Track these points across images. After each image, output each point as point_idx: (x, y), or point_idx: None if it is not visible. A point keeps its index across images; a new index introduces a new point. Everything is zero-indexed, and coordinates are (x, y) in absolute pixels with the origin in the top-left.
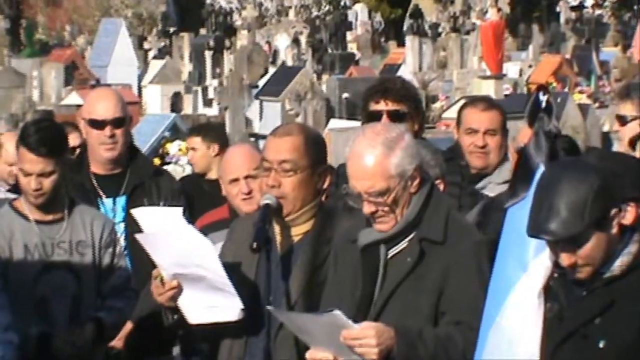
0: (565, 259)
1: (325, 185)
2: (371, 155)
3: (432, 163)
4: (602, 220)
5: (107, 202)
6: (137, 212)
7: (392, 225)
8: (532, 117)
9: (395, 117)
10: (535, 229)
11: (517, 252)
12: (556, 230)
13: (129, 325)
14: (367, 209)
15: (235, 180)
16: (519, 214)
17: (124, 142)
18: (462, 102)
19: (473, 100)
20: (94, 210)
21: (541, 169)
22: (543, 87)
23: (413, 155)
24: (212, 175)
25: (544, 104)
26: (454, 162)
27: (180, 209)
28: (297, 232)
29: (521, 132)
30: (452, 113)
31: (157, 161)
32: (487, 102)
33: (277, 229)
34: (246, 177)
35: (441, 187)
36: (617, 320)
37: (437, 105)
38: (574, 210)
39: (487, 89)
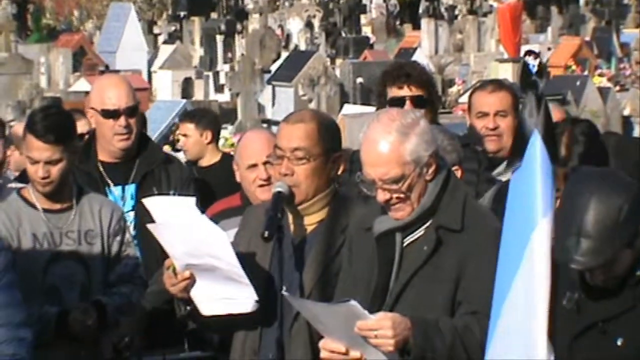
0: (590, 278)
1: (339, 173)
2: (385, 141)
3: (449, 149)
4: (632, 239)
5: (116, 190)
6: (149, 202)
7: (408, 213)
8: (523, 83)
9: (418, 103)
10: (563, 258)
11: (523, 216)
12: (586, 261)
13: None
14: (382, 196)
15: (254, 166)
16: (519, 183)
17: (136, 131)
18: None
19: (482, 84)
20: (103, 198)
21: (536, 135)
22: (532, 52)
23: (429, 141)
24: (204, 162)
25: (535, 68)
26: (469, 148)
27: (193, 199)
28: (311, 221)
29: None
30: (467, 99)
31: (167, 148)
32: (495, 84)
33: (290, 218)
34: (265, 163)
35: (458, 173)
36: (638, 321)
37: (453, 89)
38: (603, 235)
39: (505, 72)
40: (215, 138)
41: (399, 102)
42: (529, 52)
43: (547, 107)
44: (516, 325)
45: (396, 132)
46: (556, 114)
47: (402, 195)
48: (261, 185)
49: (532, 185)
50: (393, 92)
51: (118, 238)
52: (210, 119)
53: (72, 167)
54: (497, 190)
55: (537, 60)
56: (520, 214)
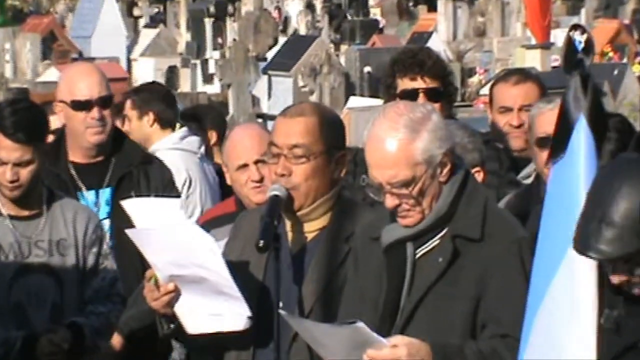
0: (615, 279)
1: (343, 174)
2: (393, 139)
3: (469, 147)
4: None
5: (89, 195)
6: (128, 204)
7: (419, 220)
8: (568, 62)
9: (433, 96)
10: (581, 245)
11: (561, 224)
12: (607, 249)
13: (117, 338)
14: (390, 202)
15: (244, 166)
16: (560, 177)
17: (111, 125)
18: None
19: (504, 74)
20: (77, 204)
21: (582, 121)
22: (579, 27)
23: (442, 138)
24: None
25: (581, 45)
26: (489, 145)
27: (178, 200)
28: (311, 228)
29: (539, 118)
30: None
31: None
32: (519, 75)
33: (287, 225)
34: (256, 163)
35: (480, 175)
36: None
37: (474, 79)
38: (629, 226)
39: (532, 60)
40: (160, 121)
41: (411, 95)
42: (575, 27)
43: (596, 89)
44: (554, 345)
45: (405, 128)
46: None
47: (412, 201)
48: (254, 188)
49: (575, 183)
50: (404, 83)
51: (94, 249)
52: (214, 116)
53: (43, 169)
54: (516, 196)
55: (584, 36)
56: (560, 215)
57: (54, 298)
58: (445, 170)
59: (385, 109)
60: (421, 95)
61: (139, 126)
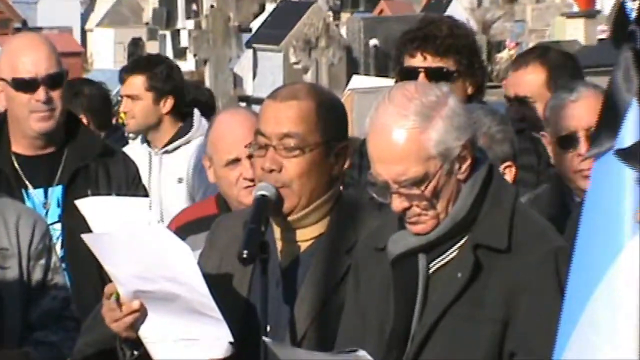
0: None
1: (344, 169)
2: (401, 128)
3: (498, 137)
4: None
5: (36, 193)
6: (84, 204)
7: (433, 227)
8: (618, 34)
9: (436, 76)
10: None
11: (606, 226)
12: None
13: None
14: (398, 204)
15: (235, 161)
16: (606, 175)
17: (62, 109)
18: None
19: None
20: (21, 205)
21: (635, 107)
22: None
23: (461, 126)
24: None
25: (633, 14)
26: (524, 135)
27: (146, 200)
28: (306, 236)
29: (559, 112)
30: None
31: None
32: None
33: (277, 231)
34: (250, 157)
35: (512, 171)
36: None
37: (503, 54)
38: None
39: (574, 31)
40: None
41: (408, 74)
42: None
43: None
44: None
45: (415, 115)
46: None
47: (424, 203)
48: (247, 188)
49: (626, 182)
50: (407, 60)
51: (42, 261)
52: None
53: None
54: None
55: (638, 3)
56: (605, 221)
57: None
58: (465, 166)
59: (392, 92)
60: (421, 75)
61: (151, 110)
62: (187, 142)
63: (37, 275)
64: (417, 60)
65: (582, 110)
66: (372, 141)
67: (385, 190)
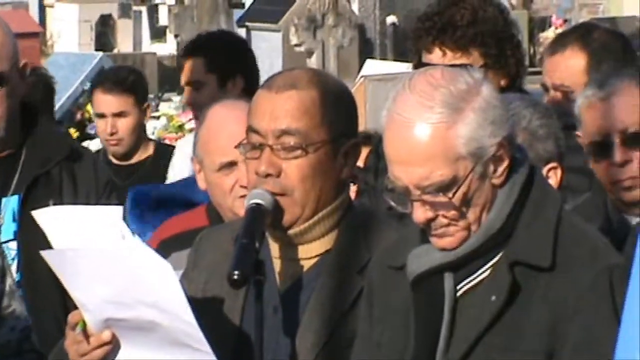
0: None
1: (354, 171)
2: (425, 123)
3: (541, 133)
4: None
5: None
6: (43, 215)
7: (462, 240)
8: None
9: None
10: None
11: None
12: None
13: None
14: (421, 214)
15: (230, 165)
16: None
17: (7, 109)
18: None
19: (562, 36)
20: None
21: None
22: None
23: (496, 121)
24: (133, 158)
25: None
26: (570, 132)
27: (119, 208)
28: (309, 253)
29: (588, 113)
30: None
31: (72, 133)
32: (581, 37)
33: (274, 248)
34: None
35: (557, 174)
36: None
37: (548, 34)
38: None
39: (634, 6)
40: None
41: None
42: None
43: None
44: None
45: (442, 106)
46: None
47: (453, 212)
48: (244, 196)
49: None
50: (424, 55)
51: None
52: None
53: None
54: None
55: None
56: None
57: None
58: (501, 168)
59: (413, 79)
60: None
61: (217, 94)
62: None
63: None
64: (436, 57)
65: (614, 109)
66: (389, 138)
67: (405, 197)
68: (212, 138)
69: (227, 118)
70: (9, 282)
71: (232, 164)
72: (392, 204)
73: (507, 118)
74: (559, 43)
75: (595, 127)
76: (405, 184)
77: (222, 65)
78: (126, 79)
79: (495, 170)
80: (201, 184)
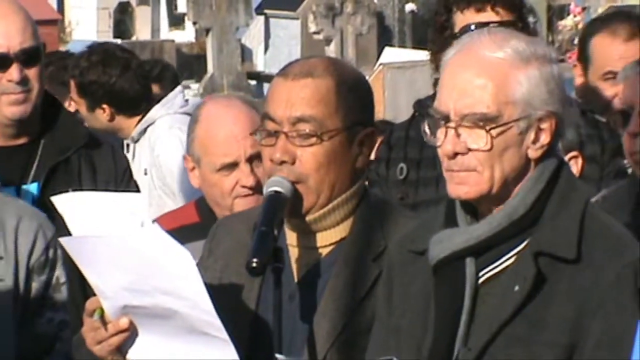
0: None
1: (370, 160)
2: (492, 54)
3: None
4: None
5: (6, 192)
6: (62, 201)
7: (479, 194)
8: None
9: None
10: None
11: None
12: None
13: None
14: (450, 145)
15: (231, 165)
16: None
17: (39, 91)
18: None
19: (609, 20)
20: (24, 206)
21: None
22: None
23: (554, 92)
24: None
25: None
26: (586, 118)
27: (141, 196)
28: (325, 240)
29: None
30: None
31: None
32: (632, 23)
33: (291, 235)
34: (250, 160)
35: (578, 163)
36: None
37: (567, 22)
38: None
39: None
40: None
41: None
42: None
43: None
44: None
45: (514, 51)
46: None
47: (482, 154)
48: (244, 197)
49: None
50: (466, 17)
51: (43, 276)
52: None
53: None
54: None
55: None
56: None
57: None
58: (540, 143)
59: (489, 30)
60: None
61: None
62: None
63: (34, 292)
64: (487, 15)
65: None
66: (450, 64)
67: (439, 123)
68: (211, 139)
69: (225, 118)
70: (57, 274)
71: (233, 165)
72: (427, 130)
73: (565, 103)
74: (612, 27)
75: (623, 98)
76: (448, 110)
77: None
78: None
79: (535, 141)
80: (194, 181)
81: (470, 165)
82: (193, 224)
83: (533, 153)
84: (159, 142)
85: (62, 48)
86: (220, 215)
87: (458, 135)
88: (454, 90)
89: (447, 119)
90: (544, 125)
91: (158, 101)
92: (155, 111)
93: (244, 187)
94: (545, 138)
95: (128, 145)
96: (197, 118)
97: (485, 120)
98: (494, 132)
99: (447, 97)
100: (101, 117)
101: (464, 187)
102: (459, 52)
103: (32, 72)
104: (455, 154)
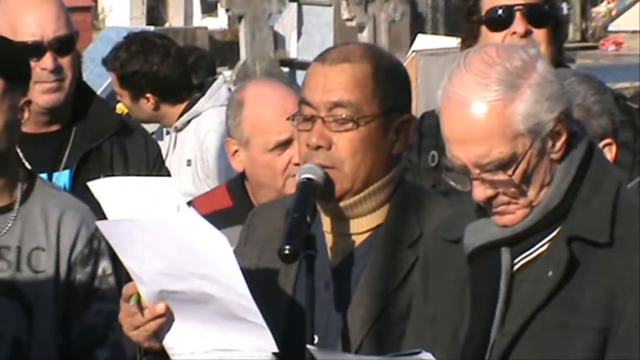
0: None
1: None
2: (482, 102)
3: (595, 109)
4: None
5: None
6: (98, 186)
7: (524, 217)
8: None
9: (537, 18)
10: None
11: None
12: None
13: None
14: (481, 192)
15: (285, 143)
16: None
17: (72, 79)
18: None
19: None
20: (67, 197)
21: None
22: None
23: (553, 96)
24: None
25: None
26: (619, 105)
27: (173, 180)
28: (361, 227)
29: None
30: (625, 23)
31: (122, 109)
32: None
33: (326, 222)
34: None
35: (613, 150)
36: None
37: (600, 9)
38: None
39: None
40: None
41: (500, 19)
42: None
43: None
44: None
45: (498, 84)
46: None
47: (514, 189)
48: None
49: None
50: (492, 1)
51: (87, 269)
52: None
53: (17, 131)
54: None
55: None
56: None
57: (17, 330)
58: (559, 143)
59: (468, 57)
60: (517, 15)
61: None
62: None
63: (79, 284)
64: None
65: None
66: (446, 118)
67: (464, 176)
68: (263, 118)
69: (274, 97)
70: (102, 265)
71: (287, 143)
72: (452, 183)
73: (564, 92)
74: None
75: None
76: (464, 163)
77: None
78: None
79: (553, 146)
80: (237, 165)
81: (504, 200)
82: (226, 209)
83: (556, 155)
84: (209, 137)
85: (95, 34)
86: (263, 199)
87: (483, 182)
88: (460, 144)
89: (466, 170)
90: (557, 128)
91: (197, 88)
92: (202, 104)
93: (297, 164)
94: (562, 137)
95: (168, 133)
96: (243, 101)
97: (503, 165)
98: (515, 173)
99: (457, 150)
100: (145, 106)
101: (507, 217)
102: (448, 100)
103: (65, 61)
104: (490, 199)
